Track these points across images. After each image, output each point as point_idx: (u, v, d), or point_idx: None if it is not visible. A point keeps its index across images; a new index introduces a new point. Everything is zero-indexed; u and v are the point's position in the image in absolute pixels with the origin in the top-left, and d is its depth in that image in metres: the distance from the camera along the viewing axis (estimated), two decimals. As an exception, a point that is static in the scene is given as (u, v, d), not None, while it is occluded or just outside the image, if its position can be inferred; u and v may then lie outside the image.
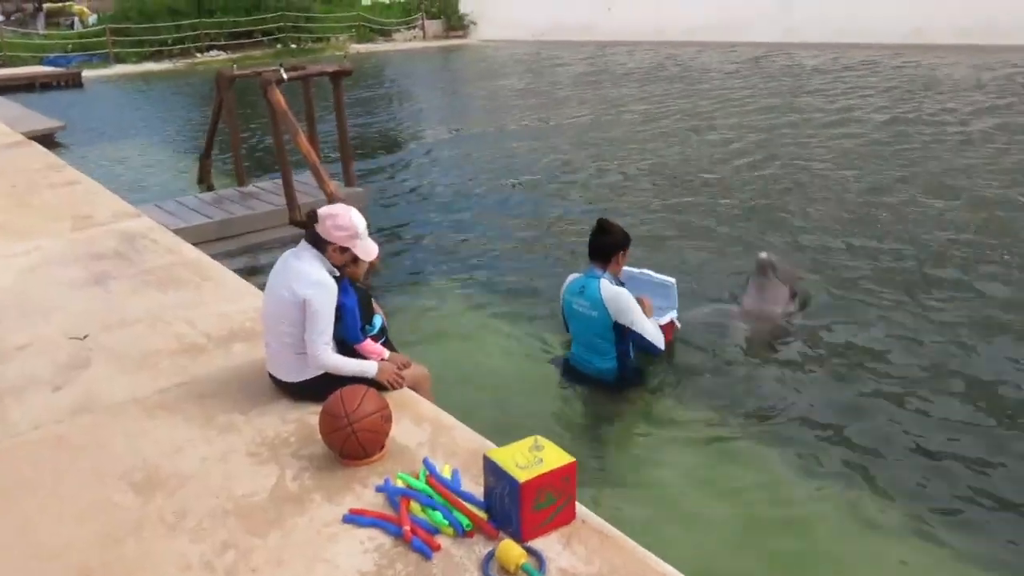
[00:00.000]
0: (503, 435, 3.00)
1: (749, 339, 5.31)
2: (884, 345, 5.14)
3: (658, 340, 4.61)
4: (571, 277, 4.86)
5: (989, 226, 7.22)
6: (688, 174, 9.92)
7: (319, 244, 3.39)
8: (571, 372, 4.86)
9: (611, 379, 4.66)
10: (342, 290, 3.44)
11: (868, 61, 19.63)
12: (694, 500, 3.72)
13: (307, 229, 3.43)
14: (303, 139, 7.75)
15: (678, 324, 5.12)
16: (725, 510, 3.65)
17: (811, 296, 5.81)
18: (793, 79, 17.35)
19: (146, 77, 26.59)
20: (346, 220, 3.34)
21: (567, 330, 4.97)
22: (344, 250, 3.39)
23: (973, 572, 3.27)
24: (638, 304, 4.56)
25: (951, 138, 10.71)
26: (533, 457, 2.54)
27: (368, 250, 3.44)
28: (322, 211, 3.38)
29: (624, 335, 4.57)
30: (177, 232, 6.76)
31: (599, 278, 4.59)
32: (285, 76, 8.01)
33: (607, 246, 4.62)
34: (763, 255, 5.55)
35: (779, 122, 12.63)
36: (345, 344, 3.56)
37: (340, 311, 3.43)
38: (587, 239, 4.67)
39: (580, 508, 2.64)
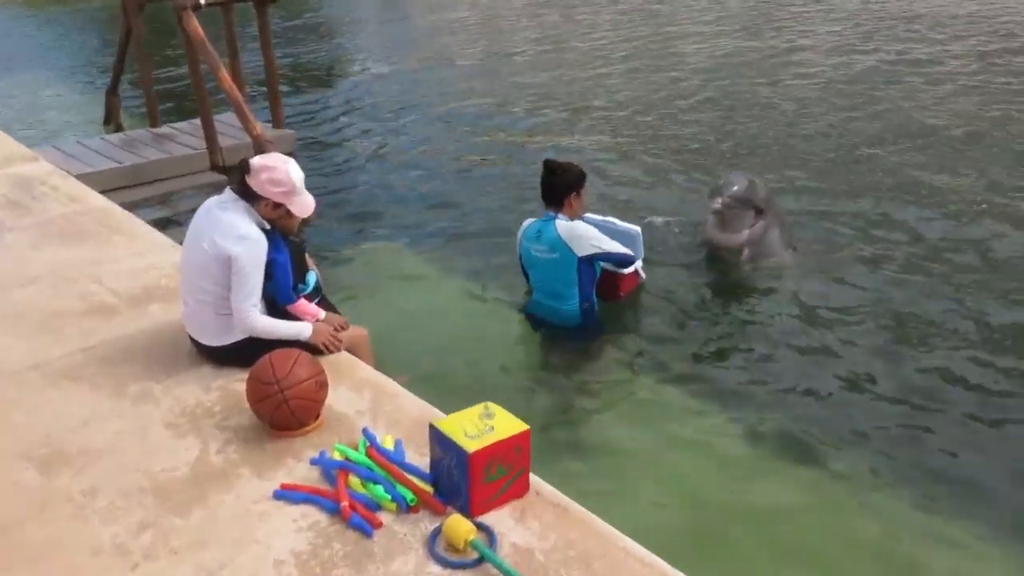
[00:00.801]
0: (451, 401, 3.01)
1: (718, 286, 5.45)
2: (859, 290, 5.30)
3: (627, 249, 4.84)
4: (527, 223, 4.95)
5: (969, 165, 7.43)
6: (647, 110, 9.93)
7: (249, 196, 3.32)
8: (530, 324, 4.99)
9: (574, 323, 4.79)
10: (273, 245, 3.38)
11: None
12: (658, 468, 3.79)
13: (235, 177, 3.35)
14: (225, 74, 7.54)
15: (643, 275, 5.22)
16: (690, 479, 3.73)
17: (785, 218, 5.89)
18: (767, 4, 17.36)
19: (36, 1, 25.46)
20: (283, 175, 3.27)
21: (527, 280, 5.07)
22: (278, 205, 3.33)
23: (935, 535, 3.42)
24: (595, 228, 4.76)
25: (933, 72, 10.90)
26: (483, 425, 2.55)
27: (305, 206, 3.38)
28: (255, 162, 3.29)
29: (588, 278, 4.71)
30: (81, 178, 6.58)
31: (555, 219, 4.70)
32: (203, 1, 7.75)
33: (558, 187, 4.73)
34: (716, 204, 5.51)
35: (745, 50, 12.69)
36: (275, 304, 3.51)
37: (271, 268, 3.38)
38: (539, 182, 4.74)
39: (534, 480, 2.67)
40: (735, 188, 5.52)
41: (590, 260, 4.69)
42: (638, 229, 5.21)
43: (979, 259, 5.70)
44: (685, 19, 16.03)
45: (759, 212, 5.56)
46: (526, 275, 5.05)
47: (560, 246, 4.64)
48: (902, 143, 8.12)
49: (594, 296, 4.82)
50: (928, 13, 14.66)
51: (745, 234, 5.57)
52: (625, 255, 4.84)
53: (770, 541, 3.39)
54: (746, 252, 5.58)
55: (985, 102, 9.38)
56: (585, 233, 4.67)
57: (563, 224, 4.68)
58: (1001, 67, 10.88)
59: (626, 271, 5.01)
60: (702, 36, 14.24)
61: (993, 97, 9.58)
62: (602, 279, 4.89)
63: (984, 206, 6.53)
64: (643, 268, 5.22)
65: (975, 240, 5.97)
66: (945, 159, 7.62)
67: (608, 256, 4.76)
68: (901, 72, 10.90)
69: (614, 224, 5.23)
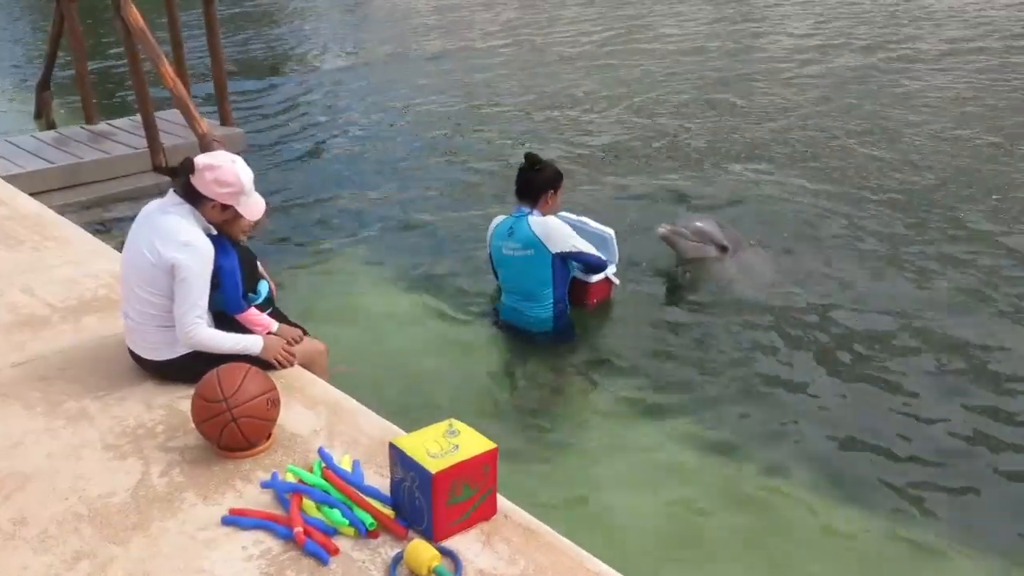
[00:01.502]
0: (414, 418, 3.03)
1: (694, 296, 5.52)
2: (839, 301, 5.41)
3: (600, 254, 4.91)
4: (497, 220, 5.01)
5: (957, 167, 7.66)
6: (617, 106, 10.03)
7: (193, 198, 3.31)
8: (500, 330, 5.05)
9: (547, 329, 4.86)
10: (220, 250, 3.37)
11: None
12: (633, 488, 3.82)
13: (179, 178, 3.34)
14: (167, 67, 7.48)
15: (616, 280, 5.27)
16: (666, 499, 3.76)
17: (747, 242, 5.99)
18: None
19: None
20: (231, 175, 3.26)
21: (497, 281, 5.13)
22: (225, 207, 3.32)
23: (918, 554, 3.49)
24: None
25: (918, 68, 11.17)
26: (447, 444, 2.56)
27: (254, 208, 3.38)
28: (200, 160, 3.28)
29: (562, 277, 4.79)
30: (9, 179, 6.54)
31: (528, 215, 4.76)
32: (143, -12, 7.70)
33: (536, 183, 4.80)
34: (662, 229, 5.60)
35: (716, 42, 12.89)
36: (224, 315, 3.49)
37: (218, 275, 3.37)
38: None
39: (502, 501, 2.69)
40: (697, 224, 5.63)
41: (563, 259, 4.75)
42: (611, 232, 5.28)
43: (956, 260, 5.88)
44: (654, 11, 16.20)
45: (723, 249, 5.65)
46: (496, 276, 5.09)
47: (534, 242, 4.70)
48: (880, 137, 8.38)
49: (567, 298, 4.88)
50: (906, 6, 15.03)
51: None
52: (598, 259, 4.89)
53: (746, 560, 3.44)
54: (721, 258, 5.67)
55: (959, 95, 9.69)
56: (561, 229, 4.74)
57: (537, 220, 4.75)
58: (976, 61, 11.22)
59: (594, 278, 5.05)
60: (671, 27, 14.43)
61: (967, 90, 9.91)
62: (571, 286, 4.94)
63: (957, 208, 6.75)
64: (615, 275, 5.26)
65: (955, 244, 6.15)
66: (924, 156, 7.88)
67: (580, 257, 4.82)
68: (879, 66, 11.20)
69: (587, 225, 5.30)
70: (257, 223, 3.50)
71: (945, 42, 12.26)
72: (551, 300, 4.81)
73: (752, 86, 10.53)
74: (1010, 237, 6.18)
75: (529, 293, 4.84)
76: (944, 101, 9.58)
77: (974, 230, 6.34)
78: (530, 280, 4.81)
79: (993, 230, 6.32)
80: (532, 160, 4.83)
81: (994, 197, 6.91)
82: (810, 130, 8.81)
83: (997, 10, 14.25)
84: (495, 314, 5.15)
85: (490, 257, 5.07)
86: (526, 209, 4.81)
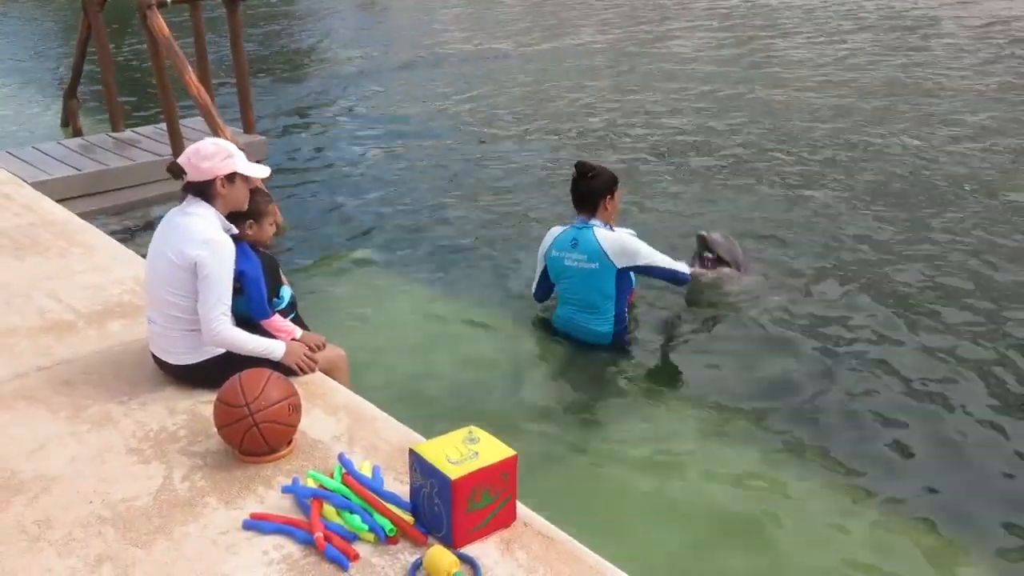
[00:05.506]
0: (434, 426, 3.03)
1: (713, 300, 5.49)
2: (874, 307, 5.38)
3: (677, 265, 4.84)
4: (555, 231, 4.96)
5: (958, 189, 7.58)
6: (645, 113, 10.07)
7: (204, 193, 3.37)
8: (547, 340, 5.03)
9: (604, 343, 4.83)
10: (242, 255, 3.40)
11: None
12: (655, 499, 3.78)
13: (183, 184, 3.41)
14: (192, 75, 7.56)
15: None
16: (689, 511, 3.72)
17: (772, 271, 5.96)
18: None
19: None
20: (208, 146, 3.35)
21: (540, 293, 5.12)
22: (231, 179, 3.37)
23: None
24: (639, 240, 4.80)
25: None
26: (467, 451, 2.57)
27: (254, 168, 3.45)
28: (183, 159, 3.38)
29: (624, 290, 4.77)
30: (36, 186, 6.60)
31: (591, 227, 4.74)
32: (169, -2, 7.79)
33: (592, 191, 4.76)
34: (695, 267, 5.43)
35: (748, 59, 12.90)
36: (249, 323, 3.52)
37: (241, 281, 3.41)
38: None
39: (522, 509, 2.69)
40: (718, 240, 5.52)
41: (628, 271, 4.74)
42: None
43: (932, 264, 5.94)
44: (681, 18, 16.19)
45: (738, 267, 5.61)
46: (545, 288, 5.08)
47: (599, 255, 4.66)
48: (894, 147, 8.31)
49: (627, 311, 4.86)
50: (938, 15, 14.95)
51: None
52: (672, 272, 4.81)
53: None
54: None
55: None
56: (632, 246, 4.70)
57: (604, 233, 4.71)
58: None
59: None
60: (695, 41, 14.45)
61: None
62: None
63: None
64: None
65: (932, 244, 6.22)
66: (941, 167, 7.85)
67: (654, 272, 4.78)
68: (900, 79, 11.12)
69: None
70: (278, 226, 3.54)
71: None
72: (612, 313, 4.77)
73: (763, 94, 10.53)
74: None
75: (591, 305, 4.80)
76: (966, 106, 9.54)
77: (994, 242, 6.28)
78: (592, 292, 4.76)
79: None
80: (583, 169, 4.76)
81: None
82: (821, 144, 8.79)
83: None
84: (542, 323, 5.12)
85: (545, 269, 4.99)
86: (586, 219, 4.76)
